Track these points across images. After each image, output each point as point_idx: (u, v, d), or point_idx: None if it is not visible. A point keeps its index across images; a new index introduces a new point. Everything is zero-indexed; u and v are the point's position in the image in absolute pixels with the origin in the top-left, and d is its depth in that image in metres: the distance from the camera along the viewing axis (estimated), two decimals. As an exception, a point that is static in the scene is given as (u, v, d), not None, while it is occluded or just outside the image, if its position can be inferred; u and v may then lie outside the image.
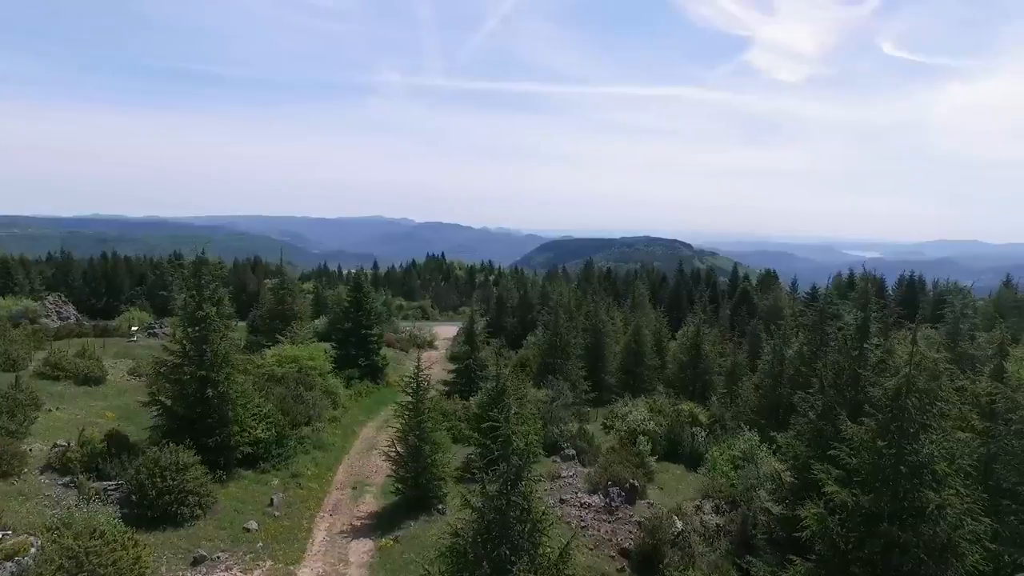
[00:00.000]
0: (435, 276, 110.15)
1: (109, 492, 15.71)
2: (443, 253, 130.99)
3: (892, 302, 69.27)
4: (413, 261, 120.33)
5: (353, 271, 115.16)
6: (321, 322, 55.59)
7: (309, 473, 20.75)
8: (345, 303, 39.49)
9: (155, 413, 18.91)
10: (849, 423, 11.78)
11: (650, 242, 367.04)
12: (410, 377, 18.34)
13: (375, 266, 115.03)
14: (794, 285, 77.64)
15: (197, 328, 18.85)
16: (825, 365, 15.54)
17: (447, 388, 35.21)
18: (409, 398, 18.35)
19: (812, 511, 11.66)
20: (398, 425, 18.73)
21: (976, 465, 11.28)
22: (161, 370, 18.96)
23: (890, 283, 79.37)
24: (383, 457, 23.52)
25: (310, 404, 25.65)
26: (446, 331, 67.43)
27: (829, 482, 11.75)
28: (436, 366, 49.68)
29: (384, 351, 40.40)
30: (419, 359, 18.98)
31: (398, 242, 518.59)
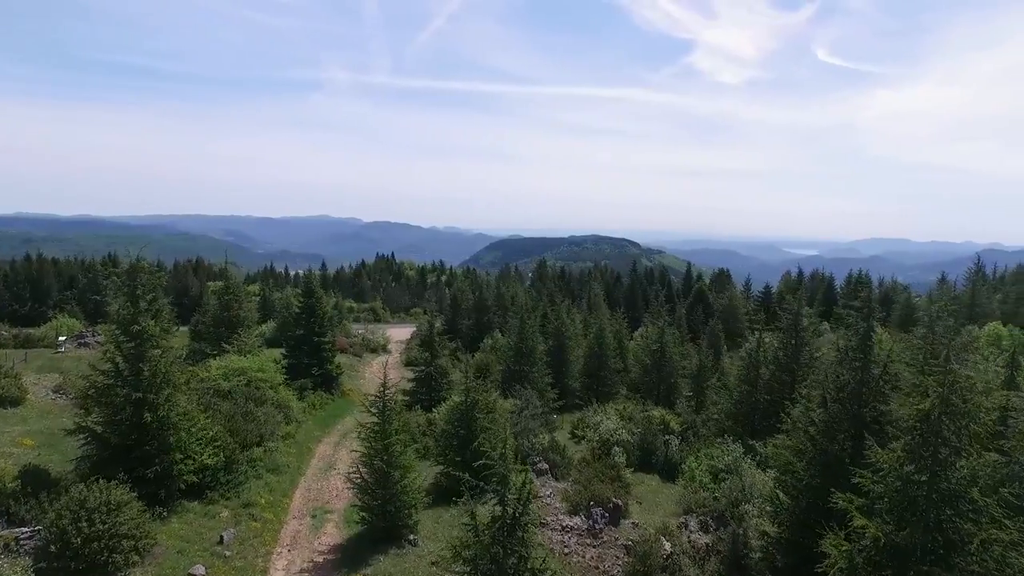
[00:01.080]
0: (385, 277, 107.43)
1: (22, 542, 13.45)
2: (393, 253, 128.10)
3: (841, 300, 69.94)
4: (363, 261, 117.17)
5: (302, 272, 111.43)
6: (269, 327, 52.76)
7: (263, 501, 18.75)
8: (296, 308, 37.16)
9: (82, 442, 16.61)
10: (877, 448, 10.73)
11: (598, 240, 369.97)
12: (375, 395, 16.60)
13: (323, 267, 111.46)
14: (747, 285, 78.53)
15: (132, 344, 16.66)
16: (828, 378, 14.54)
17: (407, 398, 33.39)
18: (373, 417, 16.61)
19: (839, 547, 10.59)
20: (362, 449, 16.96)
21: (1015, 492, 10.35)
22: (90, 392, 16.68)
23: (830, 279, 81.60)
24: (344, 479, 21.73)
25: (261, 421, 23.54)
26: (399, 333, 65.34)
27: (854, 512, 10.71)
28: (392, 372, 47.66)
29: (338, 358, 38.22)
30: (385, 376, 17.22)
31: (346, 242, 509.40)
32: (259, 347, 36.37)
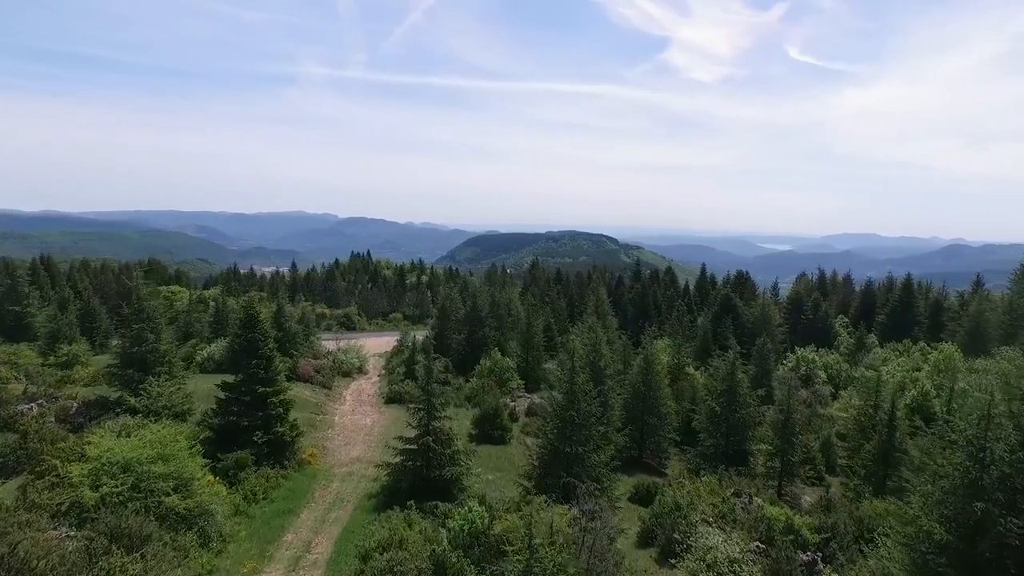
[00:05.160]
0: (361, 278, 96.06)
1: None
2: (369, 251, 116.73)
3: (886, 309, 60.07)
4: (336, 261, 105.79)
5: (268, 273, 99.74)
6: (219, 347, 41.83)
7: None
8: (235, 346, 25.93)
9: None
10: None
11: (576, 236, 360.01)
12: None
13: (293, 266, 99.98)
14: (775, 290, 68.81)
15: None
16: None
17: (390, 478, 22.80)
18: None
19: None
20: None
21: None
22: None
23: (810, 274, 73.12)
24: None
25: (135, 586, 12.98)
26: (376, 344, 54.74)
27: None
28: (370, 413, 36.91)
29: (296, 406, 27.08)
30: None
31: (321, 238, 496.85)
32: (210, 371, 25.41)
